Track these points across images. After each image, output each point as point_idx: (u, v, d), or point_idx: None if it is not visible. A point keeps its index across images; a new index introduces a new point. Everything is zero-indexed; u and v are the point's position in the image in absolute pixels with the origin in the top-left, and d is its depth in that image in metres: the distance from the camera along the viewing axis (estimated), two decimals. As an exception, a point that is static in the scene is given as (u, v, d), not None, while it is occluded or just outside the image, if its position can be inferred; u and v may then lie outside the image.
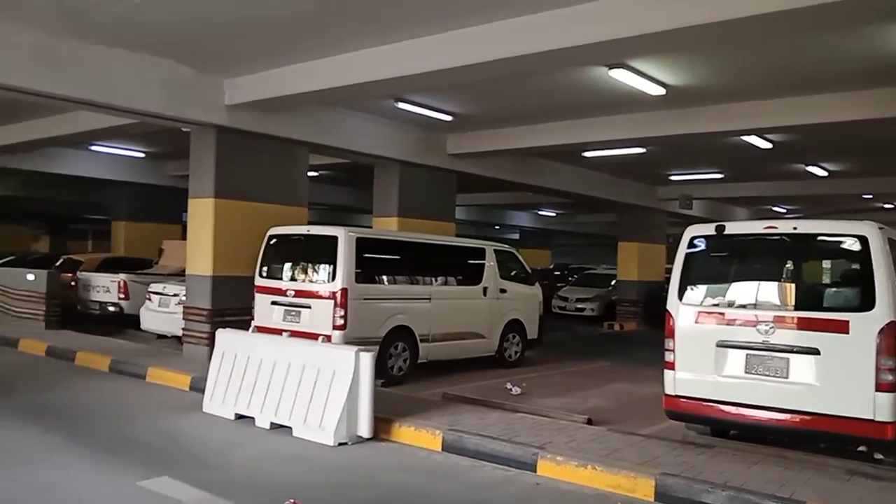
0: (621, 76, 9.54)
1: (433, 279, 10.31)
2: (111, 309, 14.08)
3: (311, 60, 9.43)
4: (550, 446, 6.05)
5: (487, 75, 8.88)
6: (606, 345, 16.02)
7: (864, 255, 5.92)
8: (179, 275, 12.95)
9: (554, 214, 31.52)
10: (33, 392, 8.57)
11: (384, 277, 9.73)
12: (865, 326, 5.70)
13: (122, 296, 13.94)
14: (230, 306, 10.51)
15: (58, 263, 16.17)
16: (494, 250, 11.47)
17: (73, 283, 14.79)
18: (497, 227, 33.70)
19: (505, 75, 9.24)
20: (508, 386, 9.24)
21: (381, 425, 6.75)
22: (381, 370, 8.99)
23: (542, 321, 12.13)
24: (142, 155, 18.85)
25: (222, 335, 7.89)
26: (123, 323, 13.84)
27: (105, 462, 5.86)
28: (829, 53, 8.70)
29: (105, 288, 14.26)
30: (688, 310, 6.61)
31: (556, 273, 29.45)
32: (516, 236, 35.42)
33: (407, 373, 9.60)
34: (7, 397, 8.16)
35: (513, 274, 11.78)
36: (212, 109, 10.40)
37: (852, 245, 6.07)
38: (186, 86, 10.01)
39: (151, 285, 12.99)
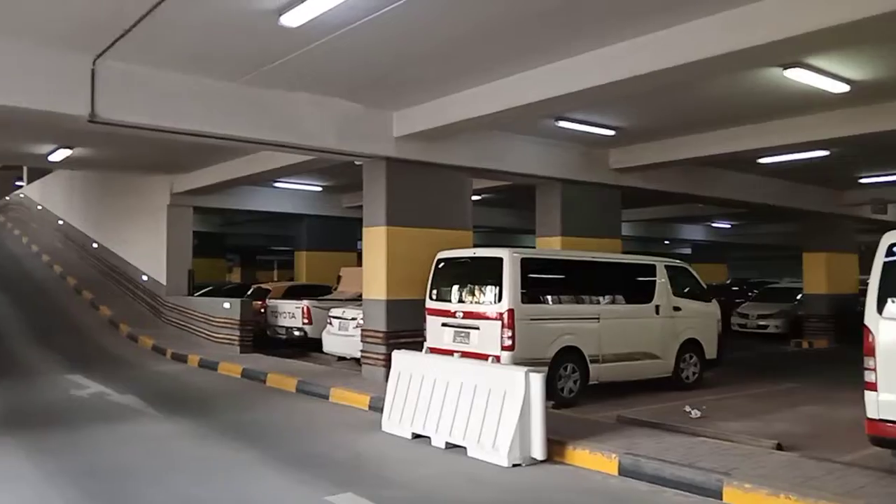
0: (798, 76, 8.93)
1: (601, 298, 10.11)
2: (296, 333, 15.10)
3: (472, 88, 9.71)
4: (736, 472, 5.69)
5: (651, 87, 8.68)
6: (794, 364, 14.84)
7: None
8: (357, 300, 13.67)
9: (729, 226, 29.80)
10: (232, 410, 9.39)
11: (550, 297, 9.69)
12: None
13: (305, 321, 14.91)
14: (404, 328, 10.94)
15: (249, 292, 17.65)
16: (665, 266, 11.05)
17: (262, 311, 16.07)
18: (667, 242, 32.41)
19: (670, 85, 8.98)
20: (687, 409, 8.82)
21: (555, 447, 6.69)
22: (552, 392, 8.90)
23: (720, 340, 11.49)
24: (320, 189, 20.20)
25: (398, 356, 8.21)
26: (307, 346, 14.78)
27: (294, 477, 6.28)
28: None
29: (290, 314, 15.34)
30: (890, 324, 5.98)
31: (734, 288, 27.77)
32: (688, 251, 33.86)
33: (578, 394, 9.45)
34: (210, 415, 9.00)
35: (686, 290, 11.27)
36: (381, 142, 10.99)
37: None
38: (358, 122, 10.65)
39: (332, 310, 13.81)
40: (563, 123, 11.46)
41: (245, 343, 14.54)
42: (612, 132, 12.18)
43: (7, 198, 39.44)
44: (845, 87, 9.45)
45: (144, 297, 19.57)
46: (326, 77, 9.32)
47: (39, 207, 32.06)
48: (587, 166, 13.78)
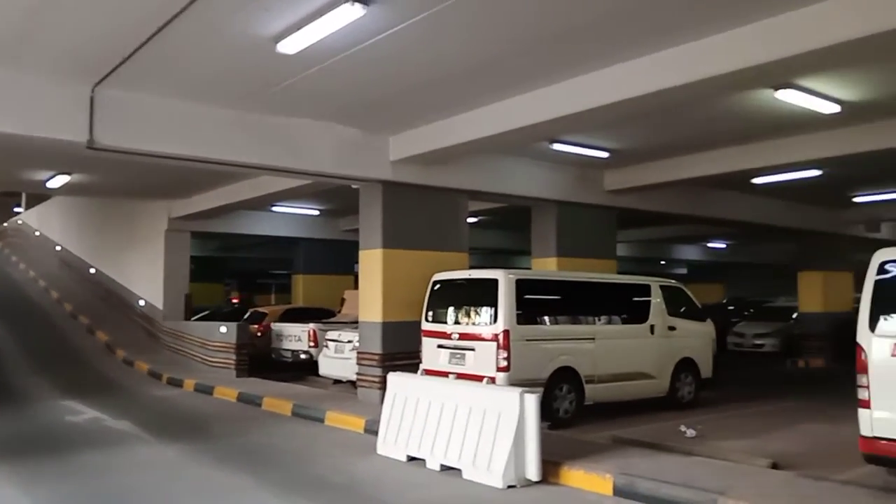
0: (789, 97, 9.04)
1: (596, 318, 10.14)
2: (302, 356, 15.05)
3: (468, 111, 9.83)
4: (732, 491, 5.69)
5: (644, 109, 8.79)
6: (790, 383, 14.83)
7: None
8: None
9: (724, 246, 29.93)
10: (227, 434, 9.36)
11: (546, 318, 9.72)
12: None
13: (311, 343, 14.87)
14: (400, 350, 10.95)
15: (245, 316, 17.65)
16: (660, 286, 11.09)
17: (259, 334, 16.06)
18: (663, 263, 32.51)
19: (663, 107, 9.09)
20: (682, 428, 8.82)
21: (550, 468, 6.69)
22: (547, 412, 8.91)
23: (716, 359, 11.49)
24: (317, 212, 20.29)
25: (393, 379, 8.22)
26: (309, 369, 14.71)
27: (291, 501, 6.26)
28: None
29: (297, 337, 15.32)
30: (882, 342, 6.02)
31: (730, 308, 27.80)
32: (684, 271, 33.94)
33: (574, 415, 9.44)
34: (205, 439, 8.98)
35: (681, 310, 11.29)
36: (378, 166, 11.09)
37: None
38: (355, 146, 10.77)
39: (328, 333, 13.81)
40: (557, 146, 11.57)
41: (241, 367, 14.51)
42: (606, 154, 12.29)
43: (5, 224, 39.52)
44: (836, 108, 9.56)
45: (141, 321, 19.56)
46: (323, 102, 9.43)
47: (37, 233, 32.12)
48: (582, 188, 13.88)
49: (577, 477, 6.54)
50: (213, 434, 9.42)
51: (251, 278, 37.94)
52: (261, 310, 18.81)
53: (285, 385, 13.14)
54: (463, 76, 8.38)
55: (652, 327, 10.63)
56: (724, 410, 10.71)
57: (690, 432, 8.64)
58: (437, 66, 8.05)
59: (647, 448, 7.56)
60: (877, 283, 6.21)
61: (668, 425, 9.21)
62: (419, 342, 10.19)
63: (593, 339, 9.87)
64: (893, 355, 5.94)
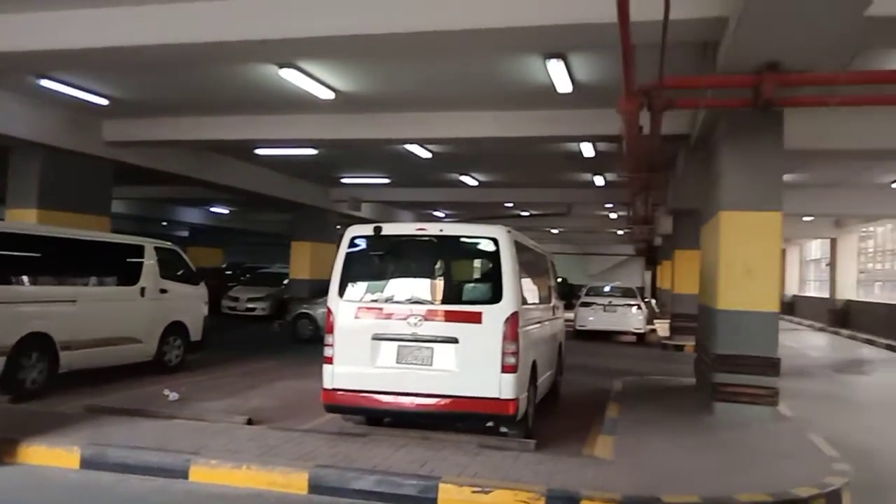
0: (291, 76, 9.61)
1: (80, 279, 9.28)
2: None
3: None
4: (205, 450, 5.82)
5: (144, 59, 8.33)
6: (278, 343, 15.95)
7: (495, 254, 6.73)
8: None
9: (227, 212, 30.51)
10: None
11: (19, 278, 8.50)
12: (494, 316, 6.48)
13: None
14: None
15: None
16: (155, 248, 10.70)
17: None
18: (165, 224, 31.53)
19: (170, 62, 8.74)
20: (166, 392, 8.71)
21: (5, 447, 5.87)
22: (11, 384, 7.90)
23: (206, 322, 11.65)
24: None
25: None
26: None
27: None
28: (470, 76, 9.81)
29: None
30: (347, 306, 6.87)
31: (228, 272, 28.62)
32: (186, 234, 33.55)
33: (43, 385, 8.48)
34: None
35: (176, 273, 11.11)
36: None
37: (486, 245, 6.87)
38: None
39: None
40: (47, 83, 10.19)
41: None
42: (105, 101, 11.33)
43: None
44: (331, 95, 10.54)
45: None
46: None
47: None
48: (76, 135, 12.54)
49: (38, 453, 5.87)
50: None
51: None
52: None
53: None
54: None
55: (143, 290, 10.21)
56: (212, 372, 10.94)
57: (174, 395, 8.59)
58: None
59: (124, 415, 7.21)
60: (347, 255, 7.06)
61: (153, 390, 9.01)
62: None
63: (75, 301, 9.00)
64: (357, 318, 6.84)
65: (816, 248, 32.38)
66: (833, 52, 6.70)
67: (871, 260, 26.76)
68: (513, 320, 6.48)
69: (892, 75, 7.21)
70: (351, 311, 6.86)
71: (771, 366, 7.87)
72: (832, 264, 27.11)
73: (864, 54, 8.04)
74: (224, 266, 31.70)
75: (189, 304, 11.23)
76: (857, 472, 5.88)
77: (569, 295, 24.22)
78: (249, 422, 7.25)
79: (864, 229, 25.78)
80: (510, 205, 24.21)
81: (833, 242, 26.79)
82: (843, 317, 25.28)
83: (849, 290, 26.15)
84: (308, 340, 15.61)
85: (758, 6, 5.48)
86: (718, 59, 6.95)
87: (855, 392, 12.18)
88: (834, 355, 18.14)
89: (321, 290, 19.03)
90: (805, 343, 20.72)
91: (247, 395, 9.23)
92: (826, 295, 27.74)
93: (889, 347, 18.20)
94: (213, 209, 29.86)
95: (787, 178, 15.35)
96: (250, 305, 21.71)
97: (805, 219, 23.68)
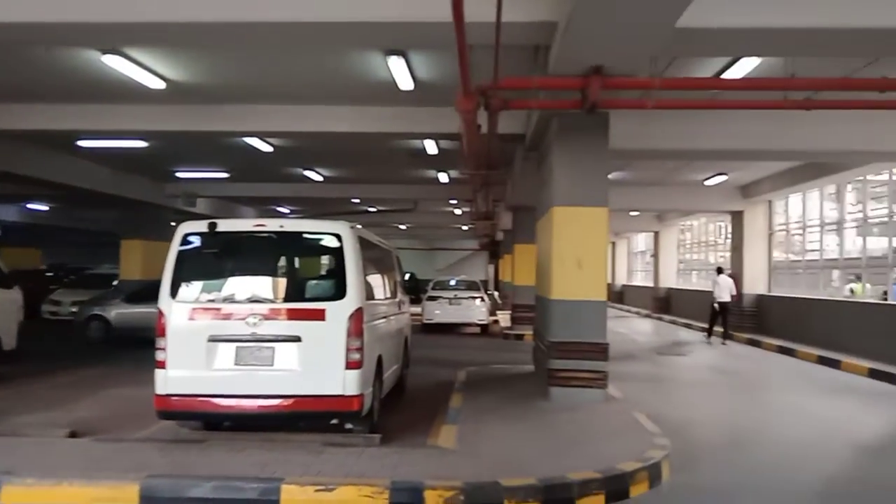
0: (116, 63, 8.99)
1: None
2: None
3: None
4: (20, 469, 5.31)
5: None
6: (105, 350, 14.86)
7: (338, 250, 6.68)
8: None
9: (46, 209, 27.95)
10: None
11: None
12: (338, 313, 6.43)
13: None
14: None
15: None
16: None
17: None
18: (-31, 223, 28.34)
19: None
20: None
21: None
22: None
23: (20, 329, 10.65)
24: None
25: None
26: None
27: None
28: (311, 70, 9.67)
29: None
30: (181, 307, 6.54)
31: (50, 274, 26.33)
32: (-2, 233, 30.37)
33: None
34: None
35: (-15, 276, 10.09)
36: None
37: (330, 242, 6.79)
38: None
39: None
40: None
41: None
42: None
43: None
44: (162, 84, 9.97)
45: None
46: None
47: None
48: None
49: None
50: None
51: None
52: None
53: None
54: None
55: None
56: (29, 383, 10.00)
57: (-18, 411, 7.77)
58: None
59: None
60: (180, 252, 6.70)
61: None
62: None
63: None
64: (191, 319, 6.52)
65: (642, 241, 34.96)
66: (650, 59, 7.24)
67: (688, 251, 29.31)
68: (357, 316, 6.46)
69: (700, 82, 7.94)
70: (184, 312, 6.54)
71: (600, 351, 8.42)
72: (656, 255, 29.41)
73: (682, 62, 8.77)
74: (44, 268, 29.09)
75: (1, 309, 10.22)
76: (674, 443, 6.44)
77: (416, 290, 24.59)
78: (73, 434, 6.70)
79: (682, 223, 28.14)
80: (357, 200, 24.14)
81: (656, 235, 29.06)
82: (665, 303, 27.54)
83: (670, 279, 28.48)
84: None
85: (582, 13, 5.81)
86: (549, 63, 7.30)
87: (675, 372, 13.29)
88: (657, 339, 19.68)
89: (137, 291, 17.93)
90: (633, 329, 22.34)
91: (71, 405, 8.53)
92: (651, 284, 30.05)
93: (703, 330, 20.01)
94: (29, 206, 27.24)
95: (614, 175, 16.51)
96: (74, 310, 20.05)
97: (632, 214, 25.49)
